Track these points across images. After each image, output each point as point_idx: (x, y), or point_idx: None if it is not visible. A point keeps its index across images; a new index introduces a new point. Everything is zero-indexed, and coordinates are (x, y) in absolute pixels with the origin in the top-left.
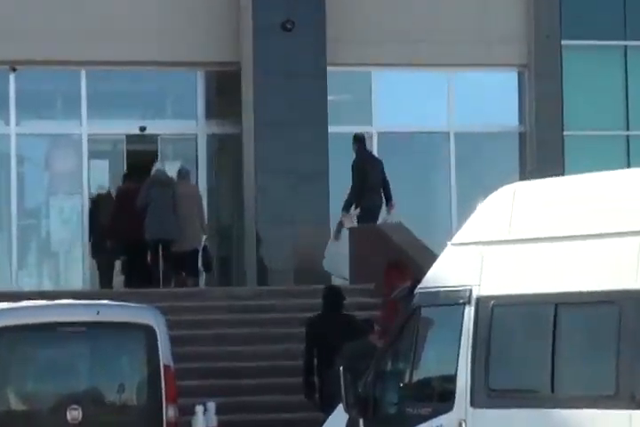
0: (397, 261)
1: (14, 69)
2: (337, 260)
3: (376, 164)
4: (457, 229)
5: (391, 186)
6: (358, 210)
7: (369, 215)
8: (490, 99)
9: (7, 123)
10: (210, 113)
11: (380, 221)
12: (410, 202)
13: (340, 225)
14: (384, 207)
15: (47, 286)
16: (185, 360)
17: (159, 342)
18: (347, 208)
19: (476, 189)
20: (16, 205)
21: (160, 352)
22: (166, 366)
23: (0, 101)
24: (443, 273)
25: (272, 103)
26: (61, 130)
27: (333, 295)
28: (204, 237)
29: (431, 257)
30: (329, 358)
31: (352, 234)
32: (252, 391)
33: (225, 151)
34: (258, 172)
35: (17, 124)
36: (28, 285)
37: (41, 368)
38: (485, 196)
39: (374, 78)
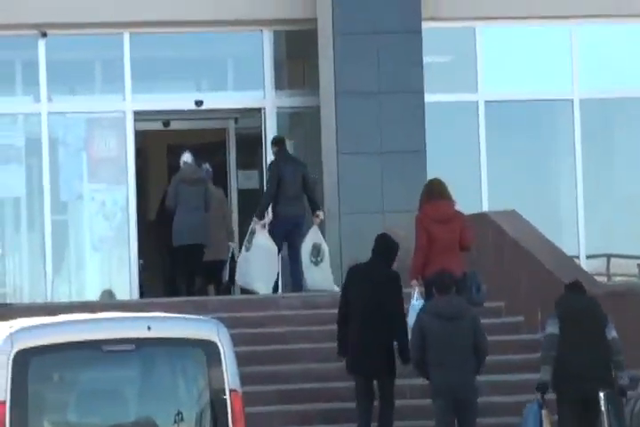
0: None
1: (44, 34)
2: (248, 272)
3: (297, 168)
4: (584, 217)
5: (317, 194)
6: (271, 216)
7: (284, 224)
8: (622, 57)
9: (37, 99)
10: (280, 82)
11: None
12: (524, 184)
13: (252, 234)
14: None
15: (87, 295)
16: (255, 382)
17: (223, 362)
18: (259, 215)
19: (605, 168)
20: (49, 197)
21: (225, 373)
22: (233, 391)
23: (28, 74)
24: None
25: (355, 69)
26: (101, 107)
27: (384, 245)
28: (233, 245)
29: (552, 251)
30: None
31: None
32: (341, 418)
33: (299, 128)
34: (339, 152)
35: (48, 100)
36: (64, 295)
37: (82, 395)
38: (617, 177)
39: (479, 35)
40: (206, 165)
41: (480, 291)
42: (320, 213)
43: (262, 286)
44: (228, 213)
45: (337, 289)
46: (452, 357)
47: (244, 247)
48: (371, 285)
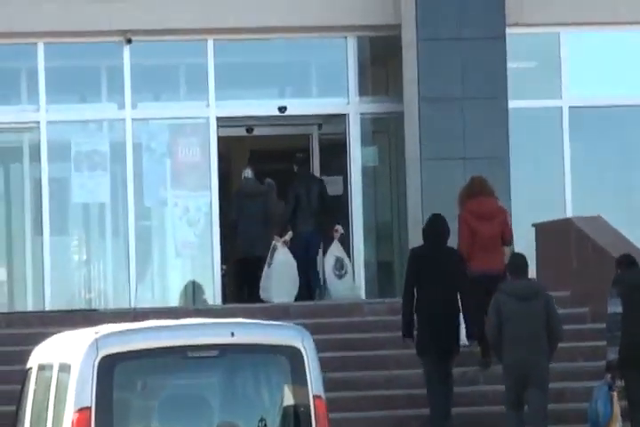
0: None
1: (129, 41)
2: (270, 286)
3: (312, 187)
4: None
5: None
6: (291, 234)
7: (301, 240)
8: None
9: (121, 106)
10: (363, 88)
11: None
12: (610, 193)
13: (273, 250)
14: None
15: (171, 301)
16: (339, 389)
17: (307, 368)
18: (279, 233)
19: None
20: (133, 203)
21: (309, 380)
22: (317, 397)
23: (113, 80)
24: None
25: (440, 75)
26: (185, 113)
27: (438, 224)
28: None
29: (638, 257)
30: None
31: (537, 232)
32: (425, 425)
33: (382, 134)
34: (423, 159)
35: (133, 107)
36: (148, 300)
37: (166, 401)
38: None
39: (564, 41)
40: (269, 180)
41: None
42: (339, 228)
43: (284, 300)
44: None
45: (363, 297)
46: (523, 335)
47: (266, 264)
48: (437, 264)
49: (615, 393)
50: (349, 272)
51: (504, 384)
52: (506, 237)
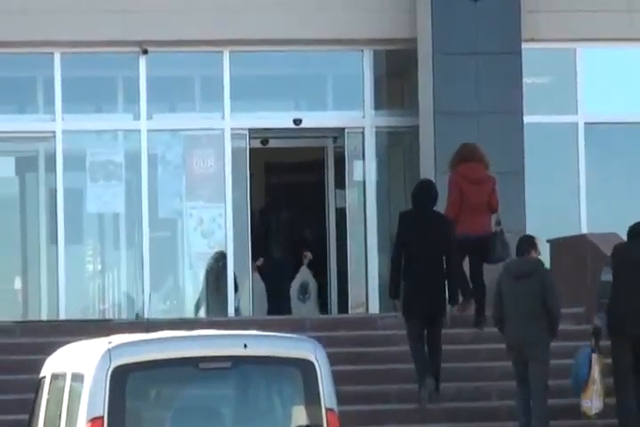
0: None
1: (145, 51)
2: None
3: (280, 217)
4: None
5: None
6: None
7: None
8: None
9: (137, 116)
10: (379, 102)
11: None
12: (626, 209)
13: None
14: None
15: (185, 312)
16: (351, 402)
17: (320, 381)
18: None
19: None
20: (148, 214)
21: (322, 393)
22: (329, 410)
23: (129, 91)
24: None
25: (455, 89)
26: (200, 124)
27: (428, 189)
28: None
29: None
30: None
31: (552, 248)
32: None
33: (398, 148)
34: (438, 173)
35: (148, 117)
36: (162, 311)
37: (178, 412)
38: None
39: (580, 56)
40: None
41: (504, 249)
42: (307, 254)
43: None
44: None
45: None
46: (520, 312)
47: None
48: (425, 229)
49: (595, 356)
50: (313, 296)
51: (509, 357)
52: (493, 205)
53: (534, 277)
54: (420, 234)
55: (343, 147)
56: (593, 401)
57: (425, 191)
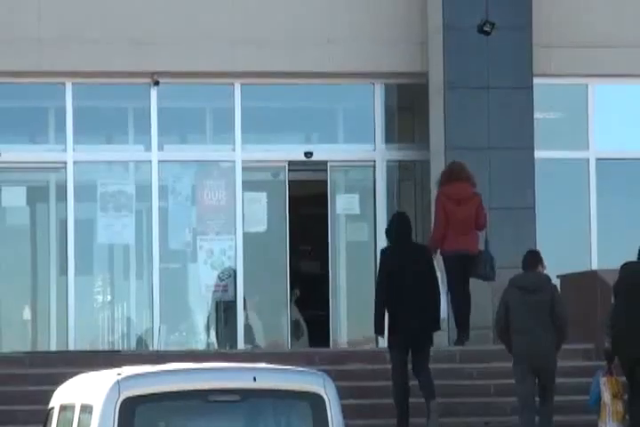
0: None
1: (157, 83)
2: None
3: None
4: None
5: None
6: None
7: None
8: None
9: (148, 147)
10: (390, 135)
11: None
12: (637, 245)
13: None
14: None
15: (195, 344)
16: None
17: (329, 415)
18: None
19: None
20: (158, 245)
21: (331, 426)
22: None
23: (140, 122)
24: None
25: (466, 123)
26: (211, 156)
27: (404, 223)
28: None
29: None
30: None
31: (563, 284)
32: None
33: (409, 181)
34: None
35: (159, 148)
36: (172, 343)
37: None
38: None
39: (591, 92)
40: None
41: (493, 267)
42: (296, 291)
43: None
44: None
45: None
46: (529, 326)
47: None
48: (406, 263)
49: (605, 379)
50: (305, 333)
51: (514, 370)
52: (479, 222)
53: (545, 290)
54: (402, 269)
55: (354, 180)
56: (607, 424)
57: (400, 226)
